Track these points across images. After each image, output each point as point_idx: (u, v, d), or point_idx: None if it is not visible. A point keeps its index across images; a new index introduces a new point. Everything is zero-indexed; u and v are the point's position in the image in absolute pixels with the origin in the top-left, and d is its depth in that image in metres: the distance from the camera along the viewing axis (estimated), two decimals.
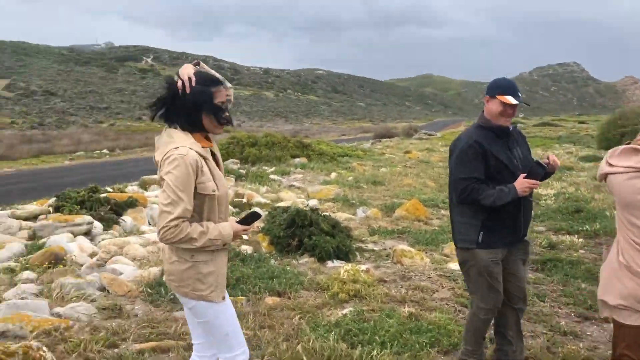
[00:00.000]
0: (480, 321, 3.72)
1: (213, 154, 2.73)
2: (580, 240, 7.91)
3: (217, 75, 2.71)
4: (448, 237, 7.69)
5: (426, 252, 7.00)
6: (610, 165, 2.77)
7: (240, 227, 2.68)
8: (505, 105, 3.47)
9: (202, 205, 2.58)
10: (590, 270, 6.30)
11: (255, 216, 2.75)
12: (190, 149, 2.52)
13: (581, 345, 4.43)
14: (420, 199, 10.63)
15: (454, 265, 6.36)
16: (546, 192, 12.43)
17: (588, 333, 4.75)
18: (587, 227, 8.60)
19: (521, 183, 3.39)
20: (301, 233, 6.53)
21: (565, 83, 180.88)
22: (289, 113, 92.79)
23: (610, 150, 2.86)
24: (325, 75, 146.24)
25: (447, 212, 4.74)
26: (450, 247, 7.13)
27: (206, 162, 2.59)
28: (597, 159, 20.35)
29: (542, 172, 3.44)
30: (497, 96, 3.48)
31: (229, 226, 2.62)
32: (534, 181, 3.39)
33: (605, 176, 2.81)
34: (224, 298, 2.70)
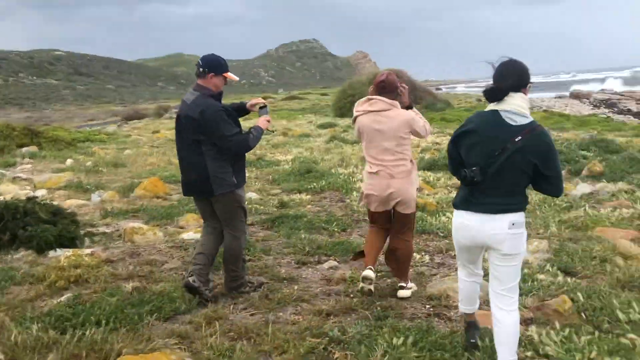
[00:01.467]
0: (242, 246, 4.71)
1: None
2: (308, 197, 8.68)
3: None
4: (184, 209, 7.73)
5: (160, 227, 6.94)
6: (356, 110, 4.55)
7: None
8: (226, 80, 4.50)
9: None
10: (311, 221, 6.96)
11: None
12: None
13: (296, 287, 4.87)
14: (162, 176, 10.47)
15: (187, 235, 6.43)
16: (285, 157, 13.32)
17: (304, 276, 5.24)
18: (314, 184, 9.46)
19: (262, 122, 4.61)
20: (14, 226, 5.88)
21: (308, 59, 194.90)
22: (23, 100, 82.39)
23: (357, 102, 4.61)
24: (66, 56, 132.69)
25: None
26: (185, 219, 7.18)
27: None
28: (333, 126, 22.47)
29: (266, 111, 4.71)
30: (223, 74, 4.44)
31: None
32: (268, 117, 4.70)
33: (355, 119, 4.56)
34: None
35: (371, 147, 4.50)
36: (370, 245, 4.67)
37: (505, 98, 3.08)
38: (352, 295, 4.64)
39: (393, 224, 4.64)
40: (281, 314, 4.34)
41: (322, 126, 22.54)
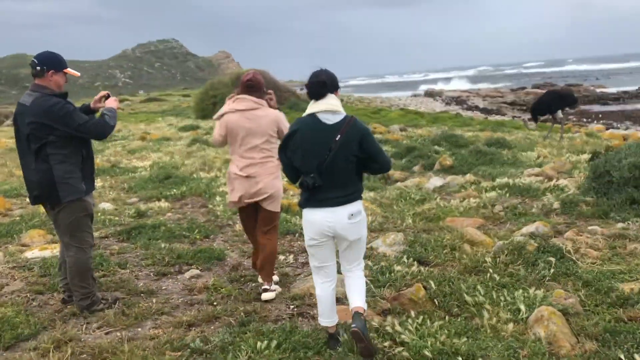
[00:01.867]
0: (90, 259, 4.42)
1: None
2: (168, 204, 8.32)
3: None
4: (28, 225, 7.03)
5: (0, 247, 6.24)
6: (223, 109, 4.61)
7: None
8: (68, 76, 4.32)
9: None
10: (172, 230, 6.67)
11: None
12: None
13: (155, 300, 4.62)
14: (1, 190, 9.45)
15: (31, 254, 5.85)
16: (143, 163, 12.68)
17: (164, 288, 4.99)
18: (174, 191, 9.11)
19: (111, 102, 4.44)
20: None
21: (168, 59, 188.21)
22: None
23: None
24: None
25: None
26: (29, 236, 6.53)
27: None
28: (195, 128, 21.90)
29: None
30: (64, 70, 4.24)
31: None
32: (115, 98, 4.52)
33: (221, 116, 4.63)
34: None
35: (239, 145, 4.56)
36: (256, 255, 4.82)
37: (323, 100, 3.43)
38: (215, 303, 4.51)
39: (258, 223, 4.67)
40: (139, 329, 4.09)
41: (184, 129, 21.87)
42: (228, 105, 4.64)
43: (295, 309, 4.35)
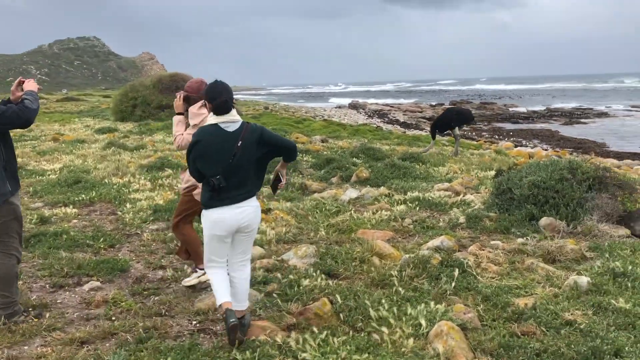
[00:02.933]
0: (16, 266, 4.21)
1: None
2: (75, 210, 7.91)
3: None
4: None
5: None
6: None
7: None
8: None
9: None
10: (75, 238, 6.33)
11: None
12: None
13: (47, 315, 4.35)
14: None
15: None
16: (52, 166, 12.03)
17: (59, 301, 4.71)
18: (83, 196, 8.68)
19: (30, 85, 4.18)
20: None
21: (88, 57, 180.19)
22: None
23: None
24: None
25: None
26: None
27: None
28: (112, 131, 21.07)
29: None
30: None
31: None
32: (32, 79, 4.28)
33: None
34: None
35: None
36: None
37: (227, 114, 3.74)
38: (113, 318, 4.30)
39: None
40: (26, 347, 3.83)
41: (101, 131, 20.96)
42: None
43: (198, 325, 4.22)
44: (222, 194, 3.71)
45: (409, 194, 8.71)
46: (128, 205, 8.02)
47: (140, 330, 4.03)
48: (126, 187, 9.40)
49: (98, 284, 5.07)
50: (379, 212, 7.73)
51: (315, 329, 3.88)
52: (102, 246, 6.19)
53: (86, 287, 4.99)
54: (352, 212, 7.77)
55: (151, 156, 13.15)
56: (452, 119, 15.18)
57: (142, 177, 10.34)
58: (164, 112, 25.40)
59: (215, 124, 3.73)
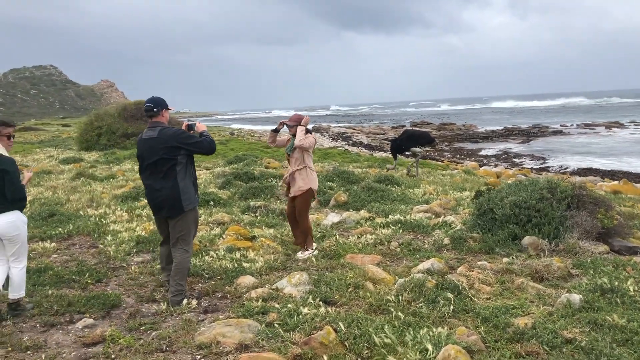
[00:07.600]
0: (190, 261, 5.46)
1: None
2: (53, 244, 7.70)
3: None
4: None
5: None
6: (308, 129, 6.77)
7: None
8: None
9: None
10: (59, 274, 6.16)
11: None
12: None
13: (43, 356, 4.21)
14: None
15: None
16: None
17: (53, 341, 4.56)
18: (60, 230, 8.46)
19: (202, 127, 5.55)
20: None
21: (45, 86, 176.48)
22: None
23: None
24: None
25: None
26: None
27: None
28: (78, 160, 20.65)
29: None
30: None
31: None
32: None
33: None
34: None
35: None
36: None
37: None
38: (113, 357, 4.19)
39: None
40: None
41: (66, 161, 20.52)
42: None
43: (202, 359, 4.15)
44: None
45: (390, 216, 8.81)
46: (109, 238, 7.85)
47: None
48: (103, 219, 9.21)
49: (91, 320, 4.94)
50: (364, 236, 7.79)
51: (324, 358, 3.87)
52: (89, 281, 6.04)
53: (79, 324, 4.85)
54: (337, 236, 7.81)
55: (124, 186, 12.93)
56: (408, 141, 16.07)
57: (118, 208, 10.15)
58: (129, 141, 25.03)
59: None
